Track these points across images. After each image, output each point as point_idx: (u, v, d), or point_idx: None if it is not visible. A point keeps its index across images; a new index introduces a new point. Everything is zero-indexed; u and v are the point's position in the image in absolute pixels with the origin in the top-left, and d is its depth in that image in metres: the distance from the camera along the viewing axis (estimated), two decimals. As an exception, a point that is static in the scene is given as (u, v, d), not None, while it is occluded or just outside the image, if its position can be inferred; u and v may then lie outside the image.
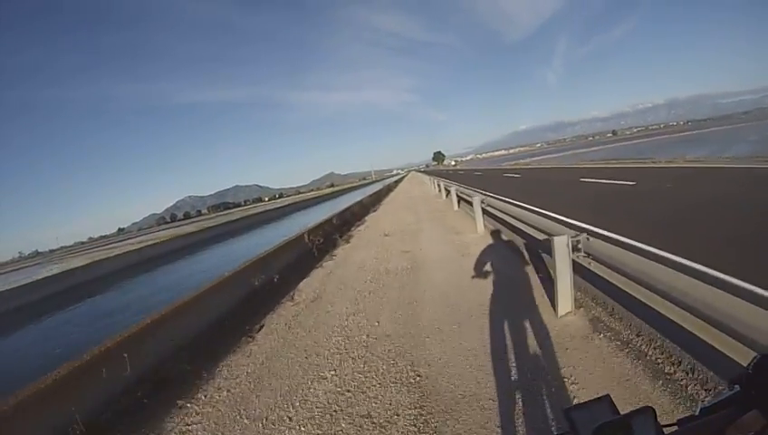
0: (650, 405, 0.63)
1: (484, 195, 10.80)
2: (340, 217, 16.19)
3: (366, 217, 18.59)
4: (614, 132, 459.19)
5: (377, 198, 30.04)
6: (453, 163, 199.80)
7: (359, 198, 27.44)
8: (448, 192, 17.42)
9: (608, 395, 0.72)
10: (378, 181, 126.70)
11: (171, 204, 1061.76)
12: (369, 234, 13.07)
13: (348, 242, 12.19)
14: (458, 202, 14.94)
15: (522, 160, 64.25)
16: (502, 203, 9.15)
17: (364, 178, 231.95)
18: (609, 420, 0.62)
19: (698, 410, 0.68)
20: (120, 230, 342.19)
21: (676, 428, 0.67)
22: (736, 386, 0.66)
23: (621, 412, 0.65)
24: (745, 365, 0.66)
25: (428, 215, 14.94)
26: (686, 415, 0.70)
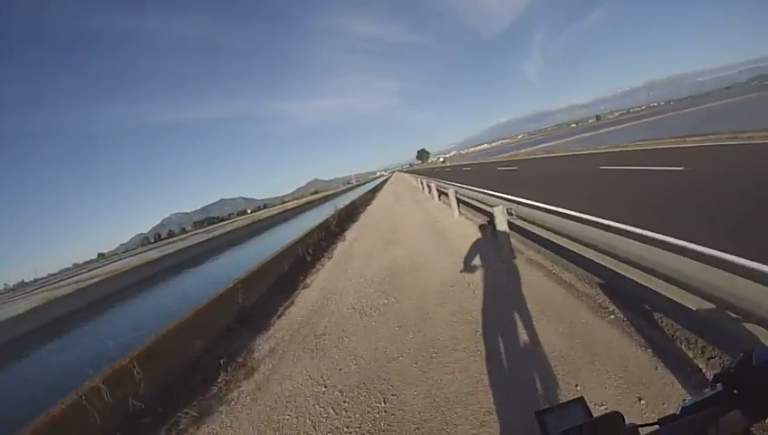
0: (618, 411, 0.65)
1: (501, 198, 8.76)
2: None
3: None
4: (597, 117, 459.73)
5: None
6: (441, 160, 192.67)
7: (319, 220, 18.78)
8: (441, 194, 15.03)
9: (581, 397, 0.74)
10: (359, 185, 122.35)
11: (158, 222, 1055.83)
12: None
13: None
14: (458, 205, 11.24)
15: (512, 152, 59.91)
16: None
17: (349, 183, 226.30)
18: (577, 425, 0.64)
19: (679, 410, 0.69)
20: (101, 256, 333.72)
21: (657, 427, 0.68)
22: (718, 385, 0.67)
23: (594, 415, 0.68)
24: (728, 362, 0.68)
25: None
26: (668, 414, 0.70)
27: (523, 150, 52.61)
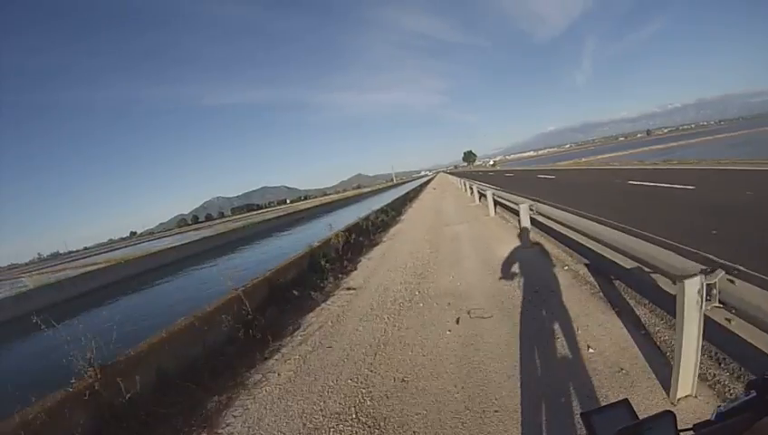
0: (670, 410, 0.65)
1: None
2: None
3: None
4: (648, 132, 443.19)
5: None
6: (491, 163, 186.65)
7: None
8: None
9: (626, 399, 0.74)
10: (397, 185, 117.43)
11: (199, 205, 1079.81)
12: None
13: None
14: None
15: (583, 158, 55.70)
16: None
17: (391, 180, 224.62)
18: (628, 425, 0.64)
19: (714, 416, 0.69)
20: (132, 234, 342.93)
21: (692, 433, 0.68)
22: (752, 392, 0.67)
23: (640, 417, 0.68)
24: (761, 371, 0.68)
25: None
26: (703, 420, 0.70)
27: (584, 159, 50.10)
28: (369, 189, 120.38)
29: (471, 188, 20.81)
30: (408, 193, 35.65)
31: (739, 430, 0.62)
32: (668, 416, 0.64)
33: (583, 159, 51.05)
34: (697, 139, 58.10)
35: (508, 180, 30.26)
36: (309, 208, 61.63)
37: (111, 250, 77.96)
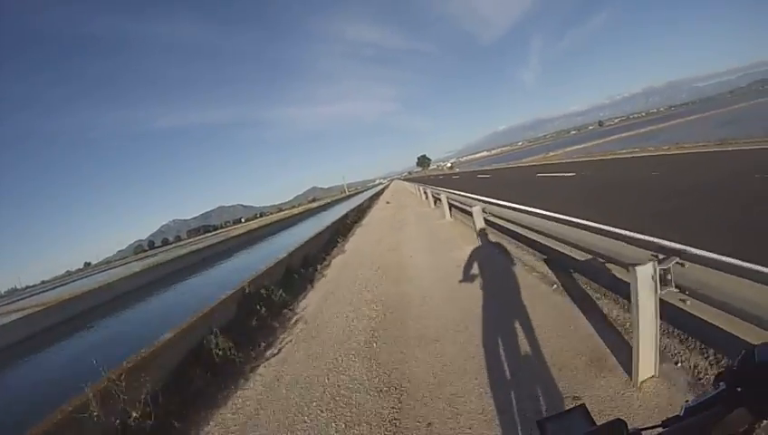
0: (621, 418, 0.64)
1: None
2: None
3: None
4: (600, 123, 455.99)
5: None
6: (448, 165, 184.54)
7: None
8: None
9: (583, 405, 0.73)
10: (348, 197, 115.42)
11: (156, 229, 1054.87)
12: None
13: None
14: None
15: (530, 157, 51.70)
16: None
17: (342, 192, 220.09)
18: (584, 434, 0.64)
19: (683, 411, 0.68)
20: (87, 265, 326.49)
21: (661, 429, 0.67)
22: (721, 384, 0.66)
23: (597, 423, 0.68)
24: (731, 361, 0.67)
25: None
26: (671, 416, 0.69)
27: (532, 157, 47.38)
28: (316, 204, 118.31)
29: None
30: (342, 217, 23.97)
31: (709, 424, 0.62)
32: (620, 423, 0.63)
33: (551, 153, 48.20)
34: (651, 126, 55.50)
35: (500, 186, 22.04)
36: (248, 232, 55.25)
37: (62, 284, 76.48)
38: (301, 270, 10.28)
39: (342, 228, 18.55)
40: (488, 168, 53.72)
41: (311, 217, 64.03)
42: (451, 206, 13.92)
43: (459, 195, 14.55)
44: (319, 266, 11.07)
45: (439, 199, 15.00)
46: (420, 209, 19.62)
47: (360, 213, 27.61)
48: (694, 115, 59.23)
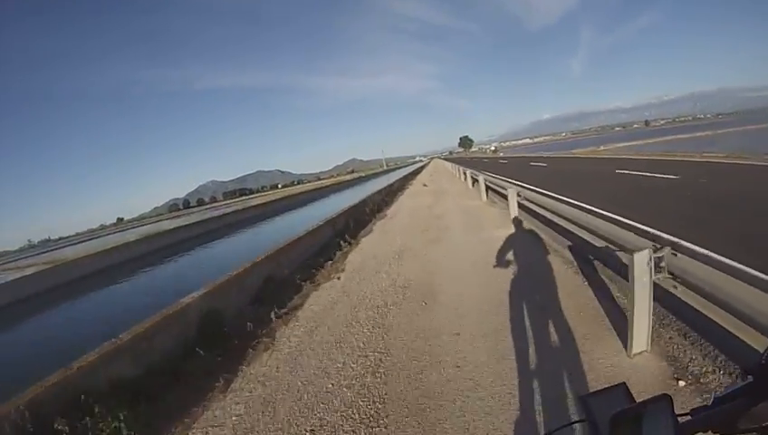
0: (666, 393, 0.65)
1: None
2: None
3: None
4: (647, 123, 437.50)
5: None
6: (492, 148, 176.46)
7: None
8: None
9: (623, 383, 0.74)
10: (387, 172, 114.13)
11: (193, 188, 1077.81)
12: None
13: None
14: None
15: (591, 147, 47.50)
16: None
17: (386, 165, 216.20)
18: (625, 408, 0.64)
19: (711, 401, 0.70)
20: (120, 220, 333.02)
21: (689, 417, 0.68)
22: (749, 377, 0.67)
23: (637, 400, 0.69)
24: (761, 352, 0.68)
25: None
26: (700, 405, 0.70)
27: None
28: (351, 177, 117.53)
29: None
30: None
31: (736, 415, 0.64)
32: (665, 399, 0.64)
33: (602, 147, 45.50)
34: (703, 132, 52.73)
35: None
36: (279, 200, 54.79)
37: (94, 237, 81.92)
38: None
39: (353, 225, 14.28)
40: (538, 155, 49.30)
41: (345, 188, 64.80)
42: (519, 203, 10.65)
43: (524, 187, 11.21)
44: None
45: (494, 191, 12.11)
46: (465, 203, 15.67)
47: (389, 196, 24.93)
48: (750, 125, 54.09)
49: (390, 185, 31.67)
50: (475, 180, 19.15)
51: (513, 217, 10.09)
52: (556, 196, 8.97)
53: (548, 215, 7.52)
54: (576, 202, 7.93)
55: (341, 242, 11.10)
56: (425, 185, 29.94)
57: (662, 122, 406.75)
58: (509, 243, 8.13)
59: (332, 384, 4.03)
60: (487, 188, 15.22)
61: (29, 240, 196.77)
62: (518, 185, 12.03)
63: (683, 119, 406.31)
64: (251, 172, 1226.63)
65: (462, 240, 9.45)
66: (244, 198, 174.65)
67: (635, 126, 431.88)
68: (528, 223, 9.47)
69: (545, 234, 8.12)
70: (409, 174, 53.35)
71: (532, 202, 8.96)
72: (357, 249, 10.67)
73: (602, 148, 44.38)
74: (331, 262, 9.44)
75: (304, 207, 44.94)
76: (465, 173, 23.03)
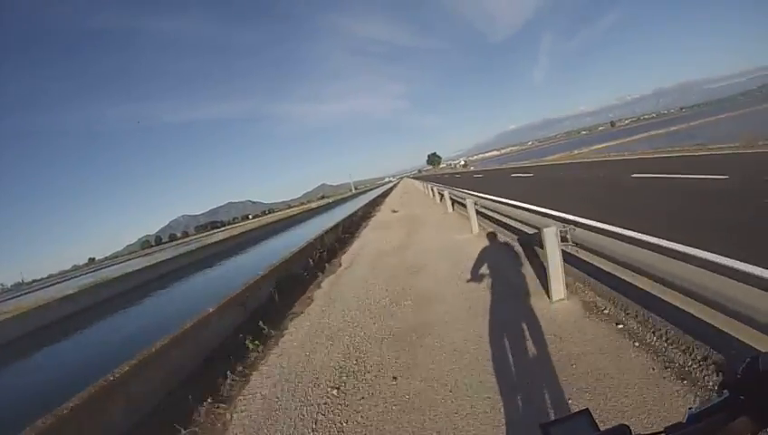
0: (625, 423, 0.65)
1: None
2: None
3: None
4: (612, 123, 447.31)
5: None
6: (462, 163, 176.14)
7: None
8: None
9: (587, 410, 0.72)
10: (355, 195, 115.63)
11: (165, 224, 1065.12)
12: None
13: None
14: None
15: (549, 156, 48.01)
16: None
17: (354, 189, 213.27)
18: None
19: (686, 417, 0.68)
20: (91, 260, 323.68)
21: None
22: (725, 391, 0.66)
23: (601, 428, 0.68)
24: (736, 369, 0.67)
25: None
26: (674, 423, 0.68)
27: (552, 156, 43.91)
28: (320, 204, 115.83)
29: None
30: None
31: (712, 431, 0.62)
32: (624, 428, 0.64)
33: (575, 151, 45.96)
34: (676, 126, 54.38)
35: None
36: (253, 229, 55.29)
37: (65, 280, 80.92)
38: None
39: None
40: (513, 166, 48.85)
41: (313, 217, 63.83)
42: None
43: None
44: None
45: (487, 217, 8.52)
46: (450, 237, 10.88)
47: (351, 228, 19.66)
48: (713, 116, 58.09)
49: (354, 213, 24.71)
50: (456, 203, 15.52)
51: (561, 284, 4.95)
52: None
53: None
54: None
55: (231, 365, 5.27)
56: (394, 211, 24.62)
57: (627, 122, 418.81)
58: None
59: None
60: (478, 213, 10.53)
61: (1, 284, 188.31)
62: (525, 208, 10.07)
63: (647, 116, 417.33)
64: (222, 204, 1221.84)
65: (472, 339, 4.49)
66: (215, 230, 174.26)
67: (600, 128, 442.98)
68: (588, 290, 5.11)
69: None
70: (378, 196, 49.52)
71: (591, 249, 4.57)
72: (255, 378, 5.04)
73: (576, 152, 44.98)
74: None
75: (255, 246, 40.03)
76: (441, 194, 19.51)
